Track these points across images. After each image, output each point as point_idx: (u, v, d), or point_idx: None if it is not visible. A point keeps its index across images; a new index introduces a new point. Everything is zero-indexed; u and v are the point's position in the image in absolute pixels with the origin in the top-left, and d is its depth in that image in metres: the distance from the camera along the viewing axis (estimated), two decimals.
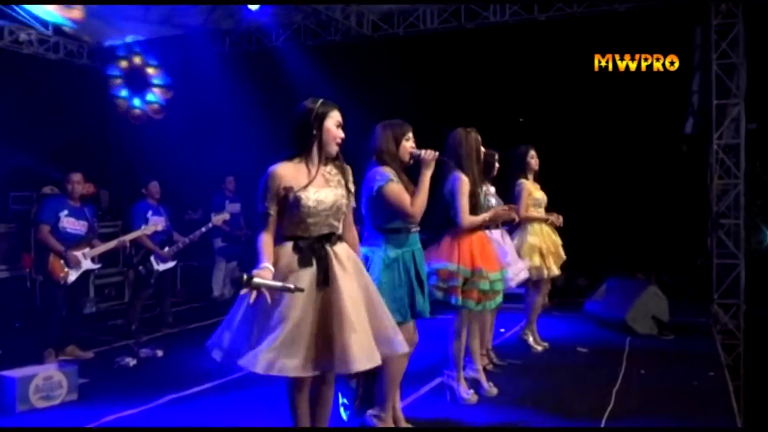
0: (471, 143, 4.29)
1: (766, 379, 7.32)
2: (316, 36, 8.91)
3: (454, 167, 4.19)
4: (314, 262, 2.86)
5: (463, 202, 4.15)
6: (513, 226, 5.57)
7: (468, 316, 4.35)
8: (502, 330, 6.46)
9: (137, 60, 9.59)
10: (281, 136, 3.11)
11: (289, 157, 2.97)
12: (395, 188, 3.52)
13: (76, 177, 5.93)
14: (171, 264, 6.89)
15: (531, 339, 5.86)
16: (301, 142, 2.97)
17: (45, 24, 8.97)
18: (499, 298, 4.42)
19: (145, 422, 4.26)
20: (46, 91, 9.12)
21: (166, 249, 6.78)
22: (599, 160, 8.92)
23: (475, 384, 4.59)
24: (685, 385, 4.90)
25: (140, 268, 6.66)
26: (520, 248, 5.50)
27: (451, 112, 7.39)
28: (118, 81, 9.68)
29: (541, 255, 5.57)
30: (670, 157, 8.65)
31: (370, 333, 2.84)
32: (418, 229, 3.68)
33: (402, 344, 3.00)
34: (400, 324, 3.30)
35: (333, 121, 2.98)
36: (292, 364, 2.72)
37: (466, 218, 4.16)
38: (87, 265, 5.89)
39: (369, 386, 3.76)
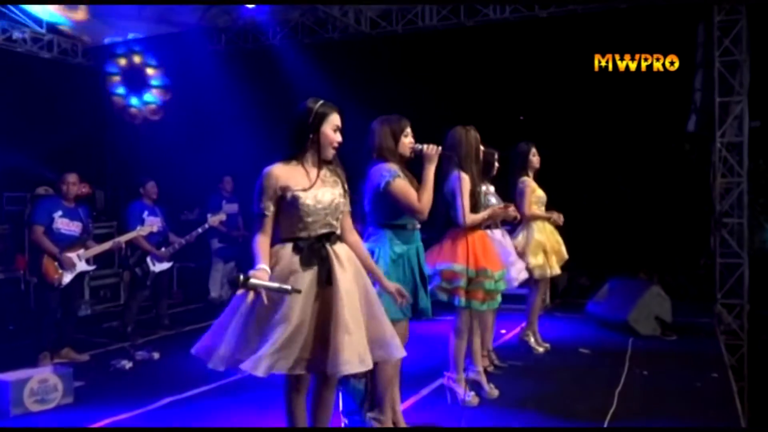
0: (470, 142, 4.26)
1: None
2: (314, 33, 8.85)
3: (456, 163, 4.14)
4: (315, 263, 2.83)
5: (464, 200, 4.11)
6: (515, 225, 5.52)
7: (470, 316, 4.29)
8: (503, 331, 6.44)
9: (137, 59, 9.53)
10: (279, 135, 3.09)
11: (285, 159, 2.96)
12: (402, 184, 3.51)
13: (72, 178, 5.86)
14: (167, 265, 6.83)
15: (532, 340, 5.81)
16: (298, 144, 2.96)
17: (38, 22, 8.89)
18: (499, 298, 4.42)
19: (141, 425, 4.24)
20: (40, 90, 9.06)
21: (162, 250, 6.71)
22: (601, 159, 8.84)
23: (476, 386, 4.54)
24: (689, 386, 4.85)
25: (136, 269, 6.60)
26: (526, 246, 5.47)
27: (451, 111, 7.35)
28: (116, 78, 9.62)
29: (545, 253, 5.53)
30: (672, 155, 8.58)
31: (364, 336, 2.81)
32: (419, 226, 3.66)
33: (398, 349, 2.96)
34: (397, 321, 3.28)
35: (331, 125, 2.96)
36: (285, 363, 2.71)
37: (468, 217, 4.12)
38: (81, 266, 5.82)
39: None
